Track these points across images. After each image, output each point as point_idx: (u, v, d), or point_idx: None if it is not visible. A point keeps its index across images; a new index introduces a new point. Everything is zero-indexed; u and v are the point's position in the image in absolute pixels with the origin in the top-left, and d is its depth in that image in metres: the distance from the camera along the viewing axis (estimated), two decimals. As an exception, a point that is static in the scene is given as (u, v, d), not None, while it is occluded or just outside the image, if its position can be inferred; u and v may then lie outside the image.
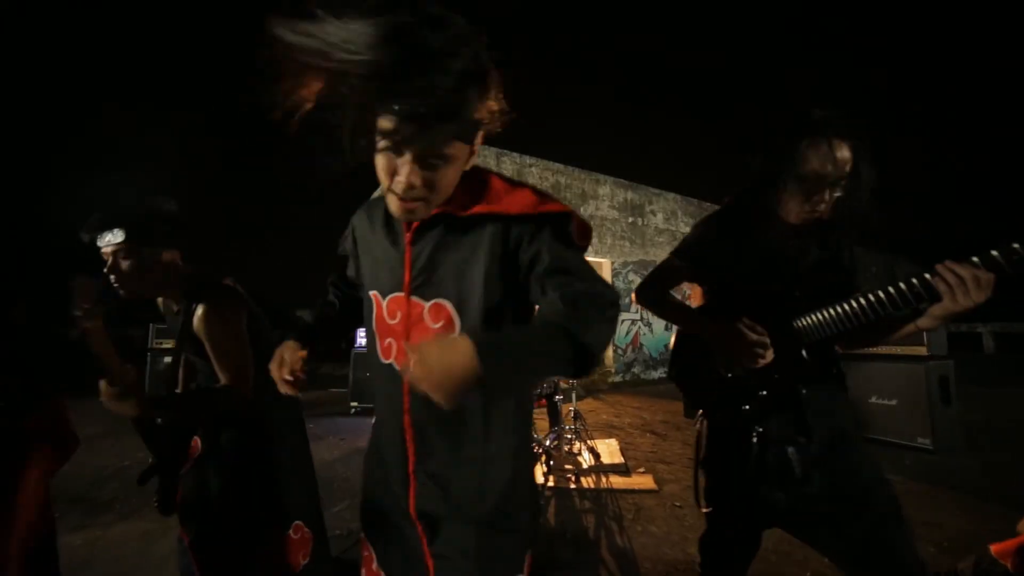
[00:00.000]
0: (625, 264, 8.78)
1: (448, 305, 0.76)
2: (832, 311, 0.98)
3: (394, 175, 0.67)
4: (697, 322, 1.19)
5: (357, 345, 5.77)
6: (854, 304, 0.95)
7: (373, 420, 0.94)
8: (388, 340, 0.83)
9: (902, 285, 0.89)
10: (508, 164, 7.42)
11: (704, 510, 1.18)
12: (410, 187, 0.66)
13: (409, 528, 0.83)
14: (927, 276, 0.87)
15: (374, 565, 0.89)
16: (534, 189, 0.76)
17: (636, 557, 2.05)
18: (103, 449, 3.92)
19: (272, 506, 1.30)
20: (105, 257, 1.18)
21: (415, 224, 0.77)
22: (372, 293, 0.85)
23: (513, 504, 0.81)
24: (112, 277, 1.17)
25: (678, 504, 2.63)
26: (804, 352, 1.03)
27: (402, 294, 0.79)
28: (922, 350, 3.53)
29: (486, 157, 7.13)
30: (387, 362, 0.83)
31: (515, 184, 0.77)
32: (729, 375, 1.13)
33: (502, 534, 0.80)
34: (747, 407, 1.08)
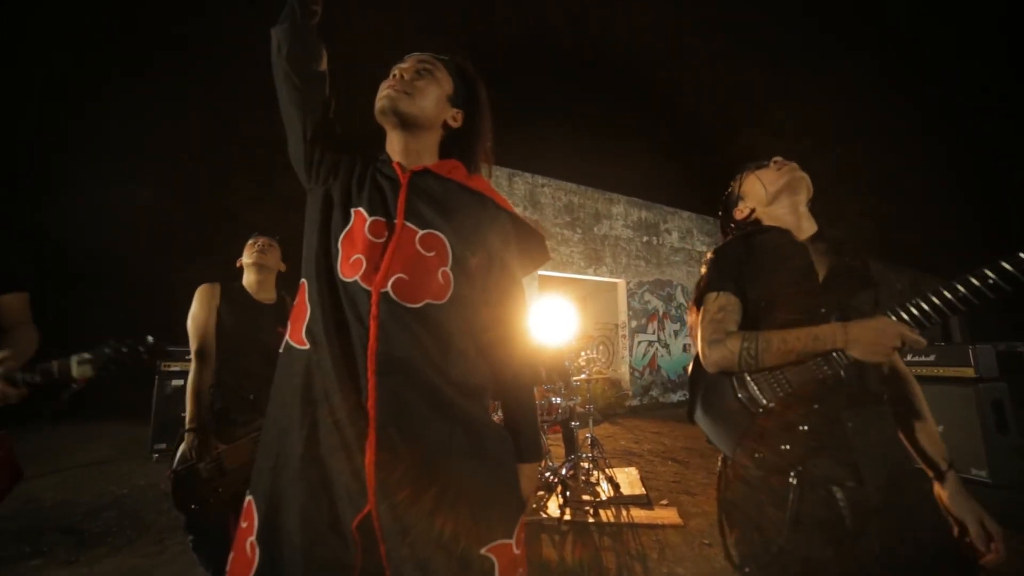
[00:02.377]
0: (640, 284, 8.59)
1: (443, 238, 0.81)
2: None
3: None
4: (822, 334, 0.88)
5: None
6: (904, 312, 0.82)
7: (283, 348, 0.82)
8: (358, 256, 0.77)
9: (976, 280, 0.75)
10: (520, 184, 7.40)
11: (735, 569, 0.98)
12: (400, 76, 0.88)
13: (343, 488, 0.70)
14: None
15: (251, 538, 0.73)
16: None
17: (663, 606, 1.83)
18: (105, 475, 3.84)
19: None
20: (261, 246, 1.80)
21: (413, 168, 0.86)
22: (355, 209, 0.82)
23: (496, 455, 0.80)
24: (259, 258, 1.78)
25: (707, 542, 2.39)
26: (842, 372, 0.87)
27: (396, 220, 0.80)
28: (969, 371, 3.25)
29: (498, 178, 7.12)
30: (349, 280, 0.76)
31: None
32: (760, 409, 0.93)
33: (489, 501, 0.76)
34: (787, 447, 0.89)
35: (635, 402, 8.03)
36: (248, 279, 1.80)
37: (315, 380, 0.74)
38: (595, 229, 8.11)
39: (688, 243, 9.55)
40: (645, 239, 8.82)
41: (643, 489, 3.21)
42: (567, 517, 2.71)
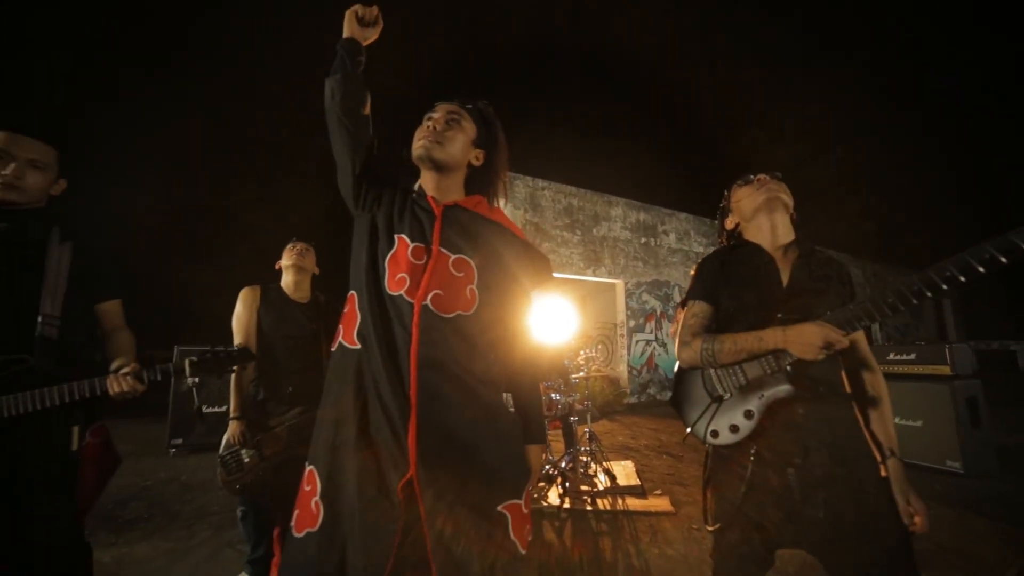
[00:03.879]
0: (638, 284, 8.77)
1: (471, 262, 0.99)
2: None
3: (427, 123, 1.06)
4: (765, 337, 1.06)
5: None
6: (839, 318, 0.99)
7: (336, 348, 0.99)
8: (402, 275, 0.95)
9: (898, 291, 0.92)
10: (521, 187, 7.57)
11: (710, 528, 1.18)
12: (433, 127, 1.05)
13: (390, 458, 0.87)
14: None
15: (315, 498, 0.90)
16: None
17: (653, 581, 2.03)
18: (125, 470, 4.01)
19: None
20: (300, 250, 2.00)
21: (446, 203, 1.05)
22: (399, 236, 0.99)
23: (508, 434, 0.99)
24: (297, 260, 1.97)
25: (696, 527, 2.58)
26: (788, 368, 1.04)
27: (432, 246, 0.98)
28: (945, 369, 3.44)
29: (499, 181, 7.28)
30: (395, 294, 0.94)
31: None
32: (714, 396, 1.15)
33: (504, 469, 0.94)
34: (736, 425, 1.09)
35: (633, 400, 8.22)
36: (286, 280, 1.99)
37: (365, 374, 0.93)
38: (594, 231, 8.29)
39: (685, 244, 9.73)
40: (643, 240, 9.01)
41: (638, 480, 3.40)
42: (566, 505, 2.90)
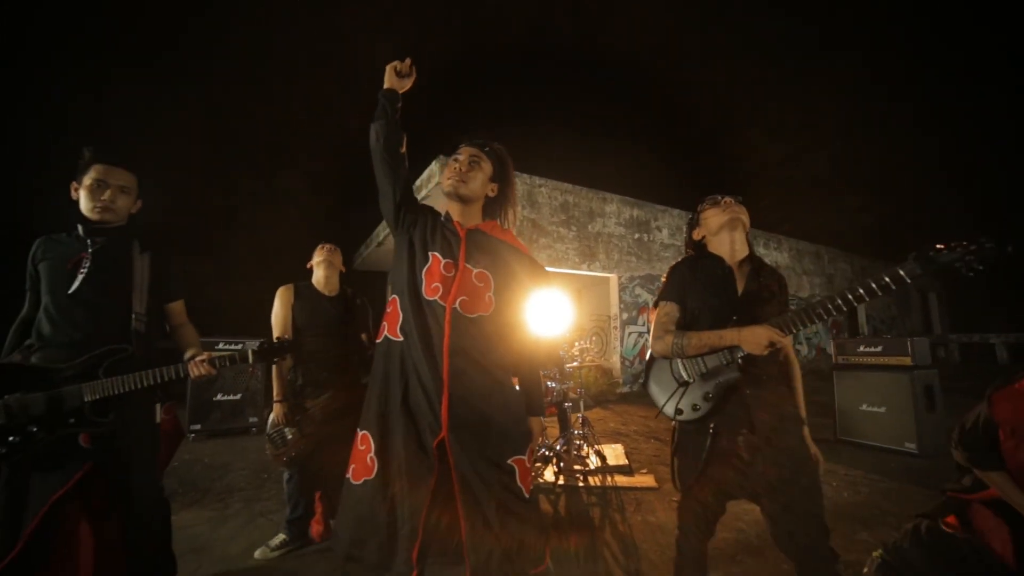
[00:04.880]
0: (632, 279, 9.08)
1: (489, 275, 1.27)
2: None
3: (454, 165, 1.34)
4: (724, 335, 1.32)
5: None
6: (780, 322, 1.27)
7: (382, 340, 1.28)
8: (436, 284, 1.23)
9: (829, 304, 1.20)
10: (519, 185, 7.75)
11: (677, 489, 1.48)
12: (459, 168, 1.32)
13: (427, 424, 1.16)
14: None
15: (370, 454, 1.19)
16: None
17: (635, 541, 2.35)
18: (153, 452, 4.30)
19: None
20: (329, 249, 2.29)
21: (468, 227, 1.33)
22: (432, 253, 1.27)
23: (515, 406, 1.28)
24: (328, 257, 2.27)
25: (676, 499, 2.90)
26: (739, 360, 1.33)
27: (459, 262, 1.25)
28: (907, 360, 3.77)
29: (498, 179, 7.51)
30: (431, 299, 1.23)
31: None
32: (680, 382, 1.42)
33: (512, 433, 1.23)
34: (696, 404, 1.38)
35: (625, 389, 8.57)
36: (317, 275, 2.26)
37: (407, 360, 1.22)
38: (589, 227, 8.56)
39: (677, 240, 10.01)
40: (636, 236, 9.29)
41: (626, 461, 3.73)
42: (561, 482, 3.21)
